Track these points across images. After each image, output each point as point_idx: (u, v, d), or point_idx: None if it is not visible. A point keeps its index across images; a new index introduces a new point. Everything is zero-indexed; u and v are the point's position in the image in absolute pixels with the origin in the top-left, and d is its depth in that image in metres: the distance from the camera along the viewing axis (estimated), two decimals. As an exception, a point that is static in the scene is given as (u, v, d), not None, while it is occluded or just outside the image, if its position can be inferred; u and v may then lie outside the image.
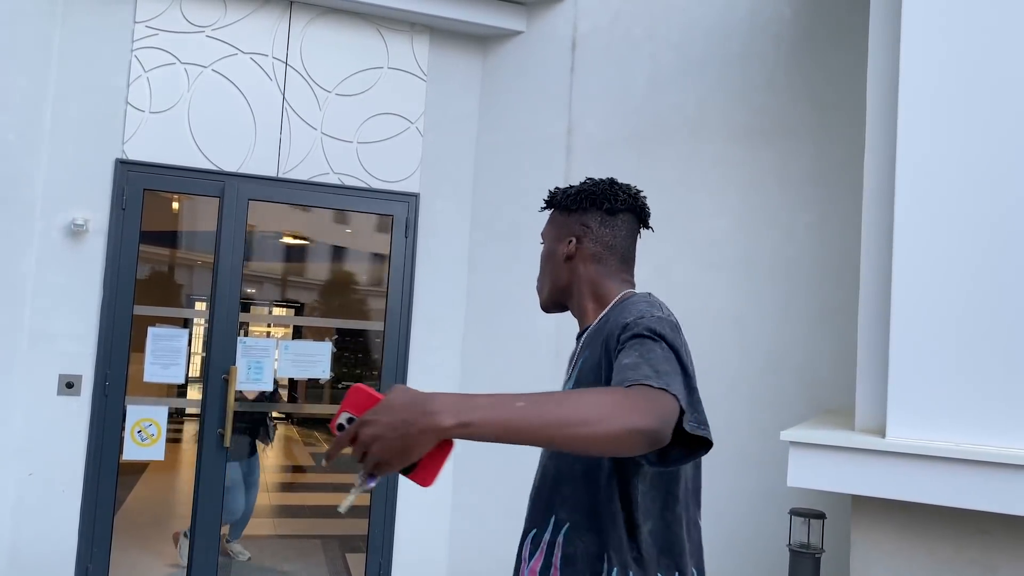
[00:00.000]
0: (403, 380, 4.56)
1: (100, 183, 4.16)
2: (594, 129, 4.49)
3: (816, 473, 2.62)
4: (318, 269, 11.82)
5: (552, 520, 1.47)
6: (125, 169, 4.20)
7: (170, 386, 5.20)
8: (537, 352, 4.51)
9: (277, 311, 13.33)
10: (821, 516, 3.11)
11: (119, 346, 4.13)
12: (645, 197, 1.73)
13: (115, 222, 4.17)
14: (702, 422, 1.28)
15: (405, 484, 4.55)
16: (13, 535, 3.99)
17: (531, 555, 1.47)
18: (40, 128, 4.05)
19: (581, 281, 1.65)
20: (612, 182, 1.68)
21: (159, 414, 4.18)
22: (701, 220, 4.17)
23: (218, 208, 4.35)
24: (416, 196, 4.66)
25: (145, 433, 4.15)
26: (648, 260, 4.36)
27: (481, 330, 4.72)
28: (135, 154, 4.22)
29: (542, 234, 1.75)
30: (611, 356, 1.40)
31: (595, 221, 1.64)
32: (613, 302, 1.60)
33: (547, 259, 1.71)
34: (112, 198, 4.17)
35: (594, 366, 1.48)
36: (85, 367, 4.11)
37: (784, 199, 4.00)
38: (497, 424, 1.07)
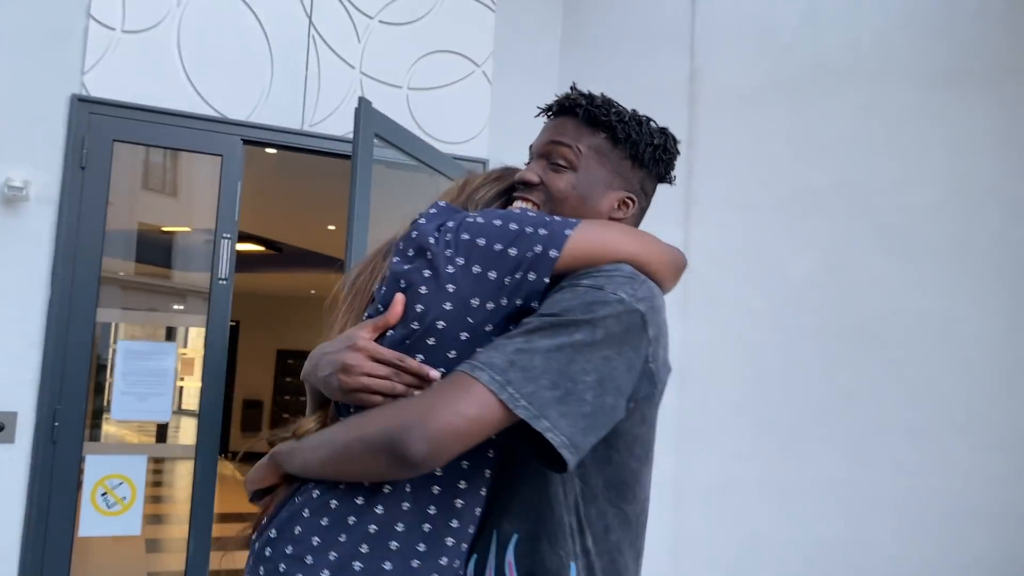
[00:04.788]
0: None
1: (48, 129, 2.85)
2: (728, 76, 3.39)
3: None
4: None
5: (494, 536, 1.12)
6: (86, 110, 2.89)
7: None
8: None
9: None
10: None
11: (74, 368, 2.81)
12: None
13: (70, 186, 2.86)
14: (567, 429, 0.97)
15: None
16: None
17: None
18: (-43, 42, 2.72)
19: None
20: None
21: (134, 467, 2.87)
22: (889, 193, 3.11)
23: (220, 171, 3.08)
24: (484, 163, 3.48)
25: (113, 496, 2.84)
26: (813, 246, 3.27)
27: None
28: (100, 90, 2.92)
29: (569, 148, 1.24)
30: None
31: (651, 187, 1.31)
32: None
33: (578, 196, 1.23)
34: (66, 151, 2.86)
35: None
36: (23, 400, 2.77)
37: (1009, 163, 2.98)
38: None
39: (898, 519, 2.97)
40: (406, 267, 1.08)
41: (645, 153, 1.25)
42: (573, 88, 1.29)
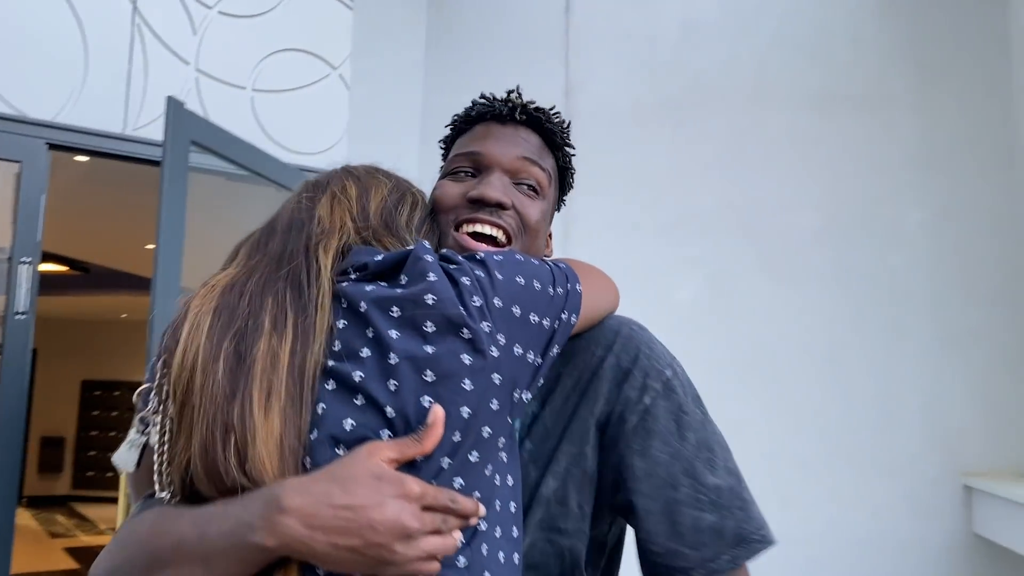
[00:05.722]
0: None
1: None
2: (604, 91, 3.21)
3: None
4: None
5: None
6: None
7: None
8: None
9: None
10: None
11: None
12: None
13: None
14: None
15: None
16: None
17: None
18: None
19: None
20: None
21: None
22: (770, 216, 3.04)
23: (16, 181, 2.51)
24: (343, 177, 3.09)
25: None
26: (698, 271, 3.13)
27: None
28: None
29: (543, 172, 0.99)
30: (613, 435, 0.86)
31: None
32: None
33: (544, 230, 1.01)
34: None
35: (574, 456, 0.86)
36: None
37: (885, 188, 3.00)
38: None
39: (790, 554, 2.87)
40: (430, 350, 0.71)
41: (568, 185, 1.09)
42: (517, 91, 1.03)
